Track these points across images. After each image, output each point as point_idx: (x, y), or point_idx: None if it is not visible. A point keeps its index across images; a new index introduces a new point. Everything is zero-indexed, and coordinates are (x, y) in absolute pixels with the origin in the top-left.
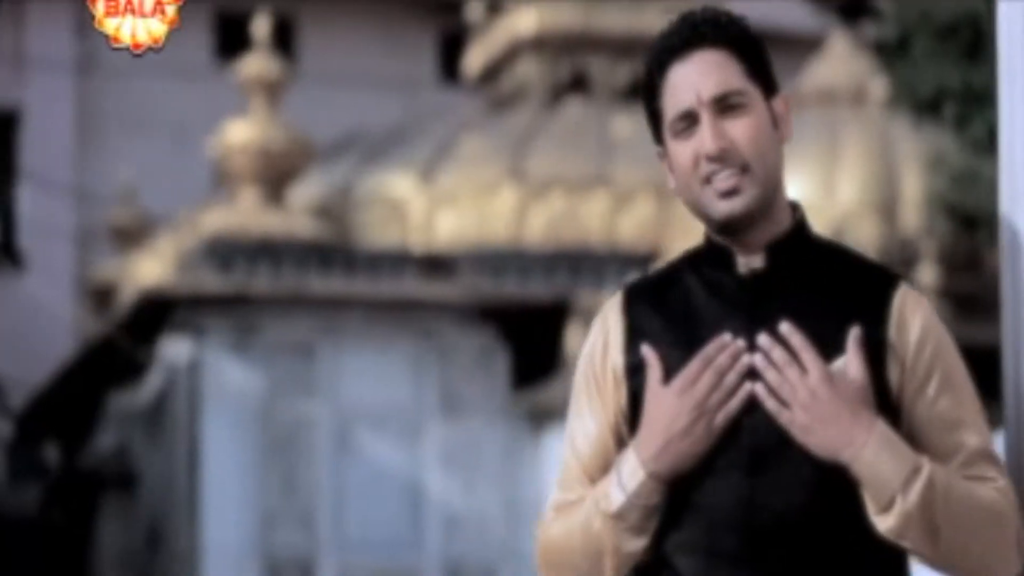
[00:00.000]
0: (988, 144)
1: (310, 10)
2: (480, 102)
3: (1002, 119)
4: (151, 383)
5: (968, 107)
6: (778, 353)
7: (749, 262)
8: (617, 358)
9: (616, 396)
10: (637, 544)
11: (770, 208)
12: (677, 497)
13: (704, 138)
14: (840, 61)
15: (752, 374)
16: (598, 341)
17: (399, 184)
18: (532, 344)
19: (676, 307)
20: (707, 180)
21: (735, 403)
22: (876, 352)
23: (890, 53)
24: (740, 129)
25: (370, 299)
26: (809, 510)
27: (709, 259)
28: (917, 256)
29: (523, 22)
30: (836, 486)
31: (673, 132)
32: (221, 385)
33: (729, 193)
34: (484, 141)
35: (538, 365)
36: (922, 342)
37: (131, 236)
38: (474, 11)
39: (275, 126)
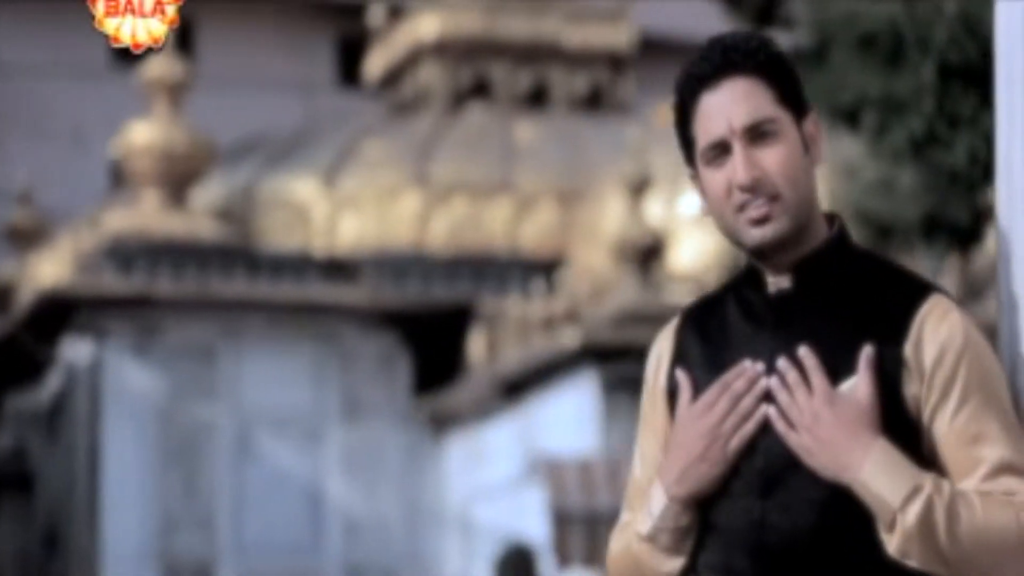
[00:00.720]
0: (907, 153)
1: (209, 12)
2: (382, 106)
3: (1000, 121)
4: (50, 384)
5: (888, 116)
6: (792, 375)
7: (778, 282)
8: (663, 381)
9: (664, 418)
10: (673, 565)
11: (803, 231)
12: (704, 518)
13: (736, 169)
14: None
15: (770, 397)
16: (652, 364)
17: (302, 187)
18: (434, 349)
19: (715, 329)
20: (740, 208)
21: (750, 427)
22: (894, 369)
23: (807, 61)
24: (772, 158)
25: (272, 302)
26: (819, 531)
27: (746, 280)
28: None
29: (425, 27)
30: (847, 507)
31: (705, 160)
32: (122, 387)
33: (761, 221)
34: (387, 146)
35: (440, 370)
36: (940, 356)
37: (28, 236)
38: (375, 15)
39: (177, 128)
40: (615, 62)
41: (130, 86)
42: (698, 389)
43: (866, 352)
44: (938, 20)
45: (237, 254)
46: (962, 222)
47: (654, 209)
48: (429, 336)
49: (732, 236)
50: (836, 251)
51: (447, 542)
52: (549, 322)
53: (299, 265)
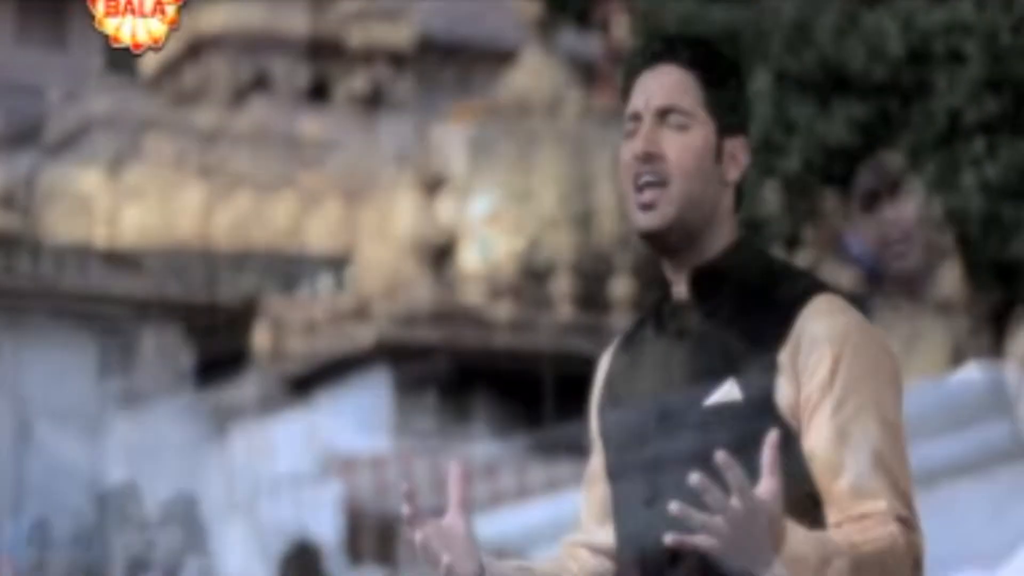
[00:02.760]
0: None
1: None
2: (158, 99)
3: None
4: None
5: None
6: (710, 497)
7: (679, 291)
8: (595, 402)
9: (596, 436)
10: None
11: (697, 236)
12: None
13: (637, 138)
14: (536, 73)
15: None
16: (596, 384)
17: (85, 178)
18: (218, 344)
19: (636, 342)
20: (637, 185)
21: None
22: (765, 376)
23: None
24: (672, 144)
25: (54, 292)
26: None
27: (661, 291)
28: (611, 269)
29: (206, 20)
30: None
31: (625, 133)
32: None
33: (648, 207)
34: (169, 137)
35: (224, 364)
36: (819, 356)
37: None
38: None
39: None
40: (396, 60)
41: None
42: (611, 417)
43: (771, 438)
44: (775, 28)
45: (19, 243)
46: (788, 227)
47: (446, 208)
48: (213, 330)
49: (630, 218)
50: (732, 258)
51: (230, 536)
52: (337, 319)
53: (81, 255)
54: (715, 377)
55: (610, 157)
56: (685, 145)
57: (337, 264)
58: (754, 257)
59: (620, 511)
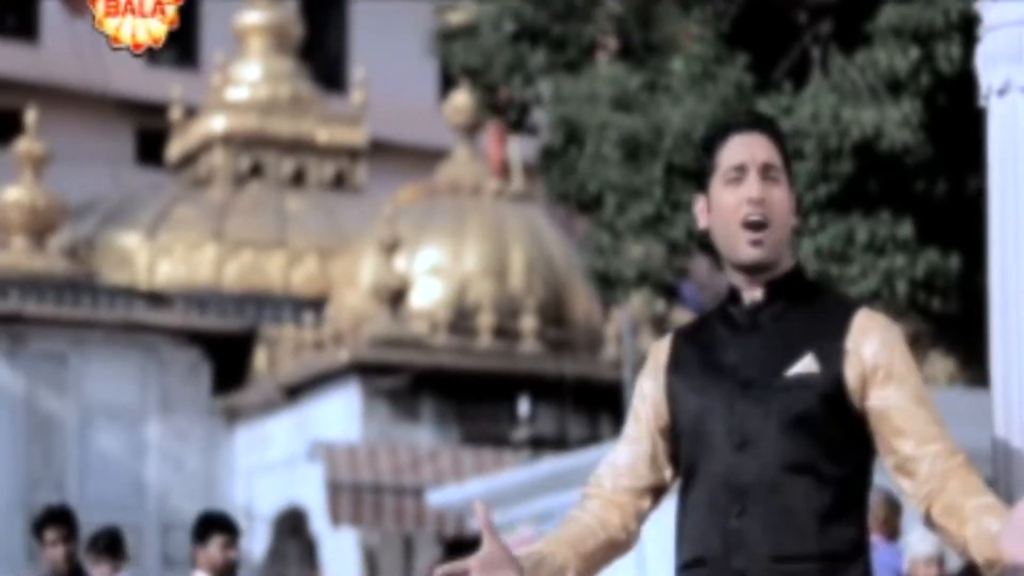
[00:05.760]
0: (641, 228)
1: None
2: (181, 182)
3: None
4: None
5: (625, 199)
6: None
7: (752, 296)
8: (663, 379)
9: (663, 404)
10: None
11: (778, 263)
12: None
13: (751, 185)
14: (464, 165)
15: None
16: (649, 369)
17: (130, 239)
18: (229, 362)
19: (705, 338)
20: (746, 224)
21: None
22: (837, 358)
23: (552, 158)
24: (773, 194)
25: (109, 322)
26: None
27: (728, 300)
28: (521, 309)
29: (214, 123)
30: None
31: (725, 180)
32: None
33: (756, 243)
34: (190, 211)
35: (233, 378)
36: (879, 348)
37: None
38: (174, 113)
39: (39, 190)
40: (353, 155)
41: None
42: (690, 383)
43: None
44: (667, 131)
45: (83, 286)
46: (669, 279)
47: (399, 263)
48: (224, 352)
49: (728, 248)
50: (796, 276)
51: (236, 505)
52: (319, 344)
53: (128, 296)
54: (792, 355)
55: (519, 228)
56: (781, 196)
57: (317, 304)
58: (807, 277)
59: (706, 453)
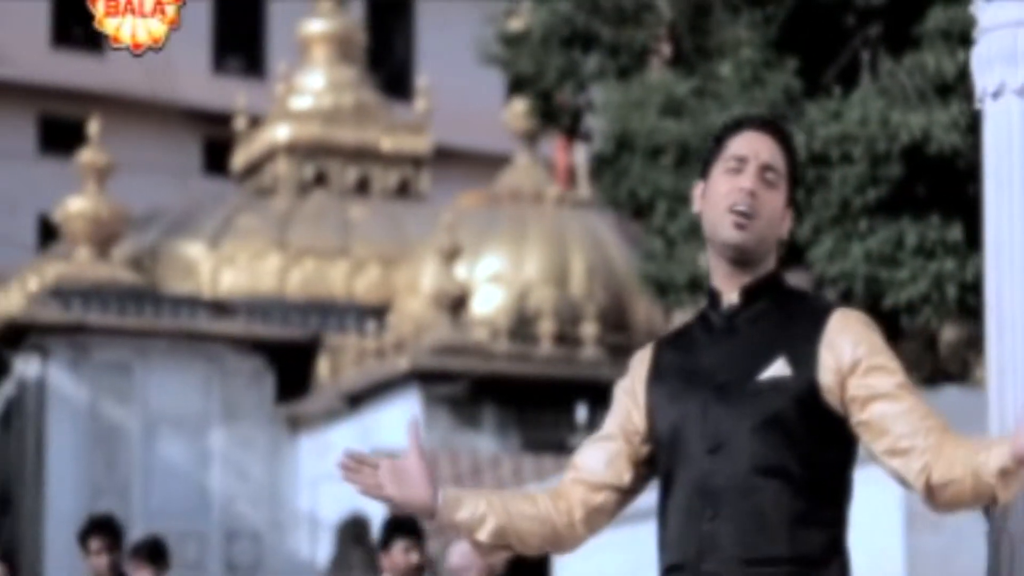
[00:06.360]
0: (692, 234)
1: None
2: (245, 191)
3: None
4: (6, 390)
5: (675, 206)
6: None
7: (730, 300)
8: (641, 387)
9: (642, 405)
10: None
11: (756, 262)
12: None
13: (747, 177)
14: (524, 172)
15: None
16: (631, 374)
17: (193, 248)
18: (291, 370)
19: (684, 344)
20: (733, 210)
21: None
22: (809, 361)
23: (604, 164)
24: (765, 196)
25: (172, 331)
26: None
27: (708, 305)
28: (582, 315)
29: (279, 133)
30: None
31: (725, 168)
32: (61, 392)
33: (740, 227)
34: (254, 219)
35: (295, 386)
36: (854, 344)
37: None
38: (239, 122)
39: (103, 200)
40: (417, 163)
41: (51, 167)
42: (669, 385)
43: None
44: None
45: (147, 295)
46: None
47: (460, 270)
48: (287, 360)
49: (712, 232)
50: (773, 281)
51: (300, 513)
52: (381, 352)
53: (192, 304)
54: (766, 359)
55: (580, 234)
56: (774, 200)
57: (380, 312)
58: (784, 283)
59: (682, 459)
